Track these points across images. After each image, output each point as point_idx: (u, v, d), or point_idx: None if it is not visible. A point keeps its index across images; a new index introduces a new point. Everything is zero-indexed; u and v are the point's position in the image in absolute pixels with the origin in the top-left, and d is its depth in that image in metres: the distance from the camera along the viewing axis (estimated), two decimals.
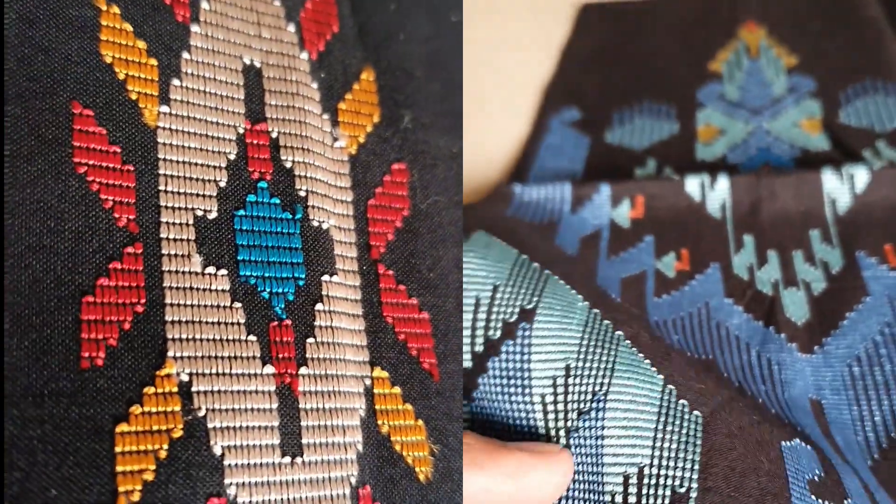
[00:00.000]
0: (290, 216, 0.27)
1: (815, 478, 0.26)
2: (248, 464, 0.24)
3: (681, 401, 0.26)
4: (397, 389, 0.29)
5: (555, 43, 0.54)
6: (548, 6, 0.57)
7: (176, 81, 0.26)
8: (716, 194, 0.40)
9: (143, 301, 0.24)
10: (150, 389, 0.23)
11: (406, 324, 0.30)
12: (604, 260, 0.37)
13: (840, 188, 0.39)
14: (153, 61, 0.26)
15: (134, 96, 0.25)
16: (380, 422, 0.28)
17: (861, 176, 0.39)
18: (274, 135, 0.28)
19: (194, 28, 0.27)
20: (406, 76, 0.32)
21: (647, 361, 0.28)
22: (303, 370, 0.26)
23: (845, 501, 0.25)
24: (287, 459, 0.25)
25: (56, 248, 0.23)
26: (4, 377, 0.21)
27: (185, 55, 0.26)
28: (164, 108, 0.26)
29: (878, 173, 0.39)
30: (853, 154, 0.42)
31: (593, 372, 0.28)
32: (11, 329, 0.21)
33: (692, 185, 0.40)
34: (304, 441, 0.26)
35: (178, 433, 0.23)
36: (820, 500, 0.25)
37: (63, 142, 0.23)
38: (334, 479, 0.26)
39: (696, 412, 0.26)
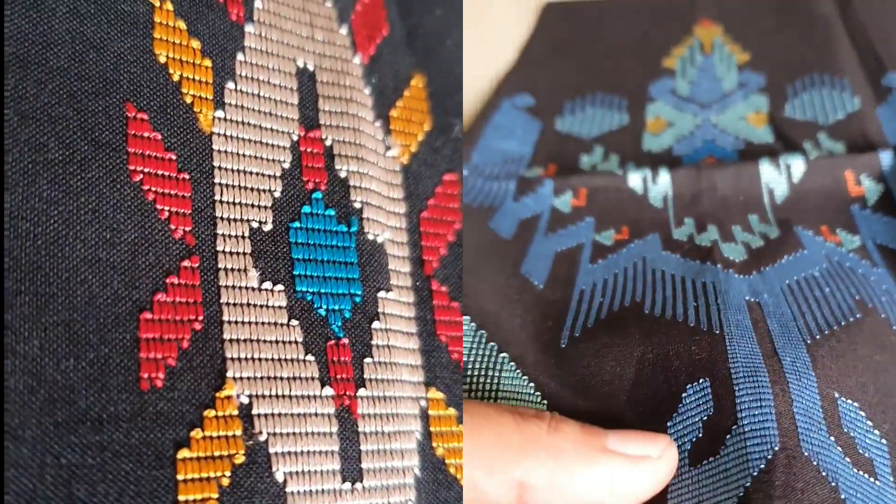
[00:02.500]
0: (346, 229, 0.27)
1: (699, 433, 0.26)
2: (310, 490, 0.24)
3: None
4: (452, 411, 0.28)
5: (515, 44, 0.56)
6: (514, 7, 0.58)
7: (231, 84, 0.25)
8: (658, 188, 0.40)
9: (200, 318, 0.23)
10: (210, 412, 0.22)
11: (459, 342, 0.29)
12: (541, 236, 0.38)
13: (777, 178, 0.40)
14: (207, 62, 0.25)
15: (189, 99, 0.24)
16: (435, 444, 0.27)
17: (798, 166, 0.40)
18: (328, 143, 0.27)
19: (248, 28, 0.26)
20: (455, 83, 0.32)
21: (532, 385, 0.28)
22: (361, 391, 0.25)
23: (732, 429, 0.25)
24: (347, 485, 0.24)
25: (112, 260, 0.22)
26: (62, 400, 0.20)
27: (240, 56, 0.26)
28: (220, 113, 0.25)
29: (813, 163, 0.40)
30: (794, 146, 0.43)
31: (476, 396, 0.28)
32: (68, 349, 0.20)
33: (634, 179, 0.41)
34: (363, 466, 0.25)
35: (240, 459, 0.22)
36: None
37: (117, 146, 0.22)
38: None
39: None
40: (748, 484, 0.24)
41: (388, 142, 0.29)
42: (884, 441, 0.26)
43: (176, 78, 0.24)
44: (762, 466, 0.24)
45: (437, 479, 0.27)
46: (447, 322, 0.29)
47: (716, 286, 0.31)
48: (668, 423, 0.26)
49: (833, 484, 0.24)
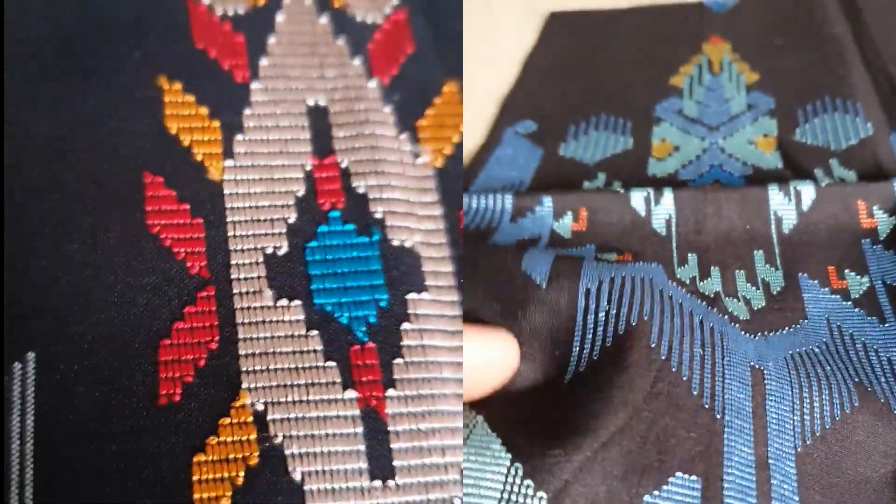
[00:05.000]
0: (367, 239, 0.28)
1: None
2: (332, 488, 0.25)
3: (526, 481, 0.25)
4: None
5: (521, 53, 0.56)
6: (517, 15, 0.60)
7: (240, 136, 0.29)
8: (661, 209, 0.40)
9: (216, 338, 0.26)
10: (225, 420, 0.25)
11: None
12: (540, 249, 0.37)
13: (786, 206, 0.39)
14: (216, 123, 0.29)
15: (199, 157, 0.29)
16: None
17: (808, 193, 0.38)
18: (344, 165, 0.29)
19: (254, 85, 0.30)
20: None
21: (499, 440, 0.27)
22: (390, 392, 0.26)
23: None
24: (377, 483, 0.25)
25: (136, 300, 0.26)
26: (90, 418, 0.25)
27: (247, 111, 0.30)
28: (230, 163, 0.29)
29: (823, 190, 0.38)
30: (805, 173, 0.42)
31: None
32: (93, 378, 0.25)
33: (637, 199, 0.40)
34: (395, 464, 0.26)
35: (253, 460, 0.25)
36: None
37: (137, 208, 0.27)
38: (434, 502, 0.25)
39: (540, 493, 0.25)
40: None
41: (416, 150, 0.30)
42: None
43: (187, 143, 0.29)
44: None
45: None
46: None
47: (723, 338, 0.30)
48: (646, 498, 0.26)
49: None
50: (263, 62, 0.31)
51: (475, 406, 0.29)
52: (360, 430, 0.26)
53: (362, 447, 0.26)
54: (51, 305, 0.26)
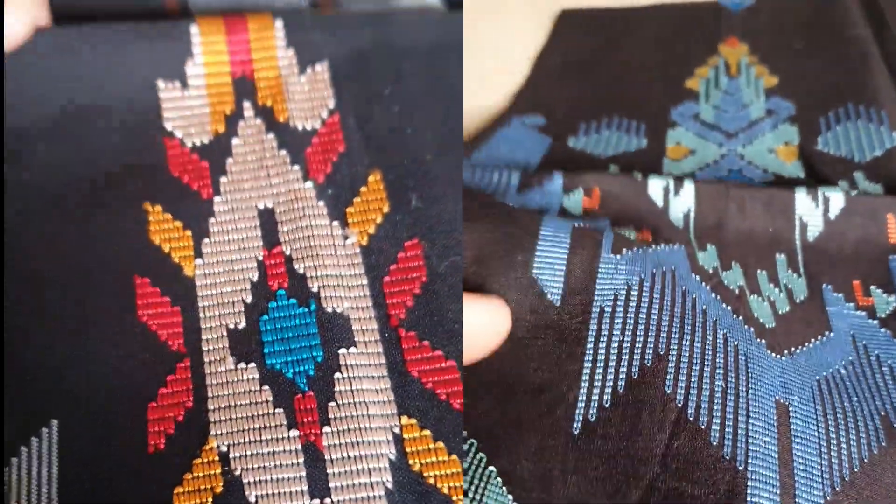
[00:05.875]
0: (306, 309, 0.36)
1: None
2: None
3: None
4: (427, 432, 0.34)
5: (533, 50, 0.53)
6: (530, 11, 0.56)
7: (206, 240, 0.38)
8: (680, 200, 0.38)
9: (191, 398, 0.34)
10: (197, 460, 0.33)
11: (432, 374, 0.35)
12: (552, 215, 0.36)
13: (813, 212, 0.37)
14: (188, 232, 0.38)
15: (176, 260, 0.37)
16: (411, 461, 0.33)
17: (836, 200, 0.37)
18: (287, 252, 0.37)
19: (216, 199, 0.39)
20: (415, 163, 0.40)
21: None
22: (326, 428, 0.34)
23: None
24: (316, 501, 0.32)
25: (130, 373, 0.35)
26: (93, 462, 0.33)
27: (212, 220, 0.38)
28: (199, 261, 0.37)
29: (853, 199, 0.37)
30: (828, 184, 0.39)
31: None
32: (98, 434, 0.33)
33: (655, 187, 0.38)
34: (331, 484, 0.33)
35: (219, 489, 0.32)
36: None
37: (130, 306, 0.36)
38: None
39: None
40: None
41: (346, 233, 0.38)
42: None
43: (166, 250, 0.37)
44: None
45: (416, 490, 0.33)
46: (418, 360, 0.35)
47: (748, 362, 0.29)
48: None
49: None
50: (223, 180, 0.39)
51: (487, 452, 0.30)
52: (301, 460, 0.33)
53: (304, 473, 0.33)
54: (67, 381, 0.34)
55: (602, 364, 0.29)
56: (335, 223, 0.38)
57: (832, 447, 0.27)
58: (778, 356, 0.31)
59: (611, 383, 0.28)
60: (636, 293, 0.30)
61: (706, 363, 0.28)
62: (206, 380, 0.35)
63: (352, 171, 0.39)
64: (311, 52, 0.42)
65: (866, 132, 0.43)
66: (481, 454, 0.33)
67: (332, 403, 0.34)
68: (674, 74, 0.51)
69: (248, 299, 0.37)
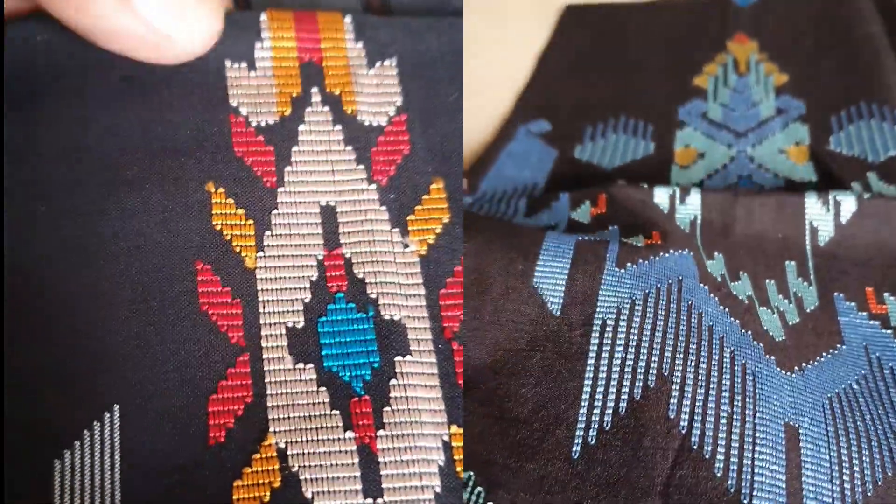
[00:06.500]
0: (364, 315, 0.37)
1: None
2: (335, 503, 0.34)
3: None
4: None
5: (537, 45, 0.52)
6: (532, 5, 0.55)
7: (268, 233, 0.38)
8: (685, 208, 0.38)
9: (250, 394, 0.35)
10: (256, 456, 0.34)
11: None
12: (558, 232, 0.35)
13: (823, 216, 0.36)
14: (250, 222, 0.38)
15: (238, 249, 0.38)
16: (458, 469, 0.35)
17: (848, 204, 0.36)
18: (347, 255, 0.38)
19: (280, 190, 0.39)
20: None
21: None
22: (380, 432, 0.35)
23: None
24: (369, 500, 0.34)
25: (192, 362, 0.35)
26: (160, 454, 0.34)
27: (275, 212, 0.39)
28: (260, 254, 0.38)
29: (865, 202, 0.36)
30: (841, 186, 0.39)
31: None
32: (154, 422, 0.34)
33: (661, 195, 0.38)
34: (384, 486, 0.34)
35: (277, 484, 0.34)
36: None
37: (191, 292, 0.36)
38: None
39: None
40: None
41: (406, 241, 0.39)
42: None
43: (228, 237, 0.38)
44: None
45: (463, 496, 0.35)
46: None
47: (756, 382, 0.28)
48: None
49: None
50: (287, 169, 0.40)
51: (485, 486, 0.29)
52: (356, 460, 0.35)
53: (358, 473, 0.35)
54: (129, 365, 0.35)
55: (603, 382, 0.29)
56: (396, 230, 0.39)
57: (844, 471, 0.27)
58: (788, 373, 0.30)
59: (612, 404, 0.28)
60: (640, 308, 0.30)
61: (711, 385, 0.28)
62: (265, 377, 0.36)
63: (414, 176, 0.40)
64: (380, 48, 0.42)
65: (880, 131, 0.43)
66: (479, 489, 0.33)
67: (387, 408, 0.36)
68: (681, 72, 0.51)
69: (307, 299, 0.38)
